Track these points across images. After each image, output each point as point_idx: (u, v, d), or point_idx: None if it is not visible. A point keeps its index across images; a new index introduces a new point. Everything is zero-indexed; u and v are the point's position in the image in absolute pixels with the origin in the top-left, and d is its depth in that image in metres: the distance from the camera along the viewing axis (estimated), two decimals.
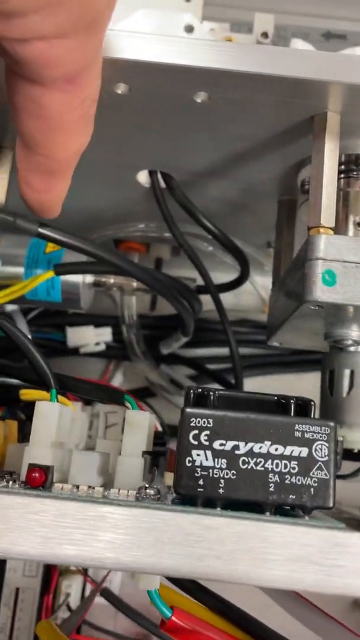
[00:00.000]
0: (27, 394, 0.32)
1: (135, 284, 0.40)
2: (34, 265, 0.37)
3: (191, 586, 0.26)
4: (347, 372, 0.29)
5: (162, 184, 0.34)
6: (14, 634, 0.37)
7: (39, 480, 0.21)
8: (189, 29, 0.40)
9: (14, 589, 0.37)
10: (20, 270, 0.38)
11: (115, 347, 0.46)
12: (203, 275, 0.37)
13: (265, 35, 0.40)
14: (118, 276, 0.39)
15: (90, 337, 0.44)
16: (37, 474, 0.21)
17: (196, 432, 0.21)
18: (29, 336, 0.38)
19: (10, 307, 0.44)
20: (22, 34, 0.18)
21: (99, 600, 0.44)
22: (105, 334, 0.45)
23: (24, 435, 0.34)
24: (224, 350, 0.47)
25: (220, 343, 0.46)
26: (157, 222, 0.41)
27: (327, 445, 0.21)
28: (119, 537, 0.19)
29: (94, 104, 0.22)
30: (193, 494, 0.21)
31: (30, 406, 0.37)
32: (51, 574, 0.40)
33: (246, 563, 0.19)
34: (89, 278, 0.39)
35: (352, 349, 0.29)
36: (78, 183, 0.36)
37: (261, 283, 0.45)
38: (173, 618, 0.24)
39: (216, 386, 0.46)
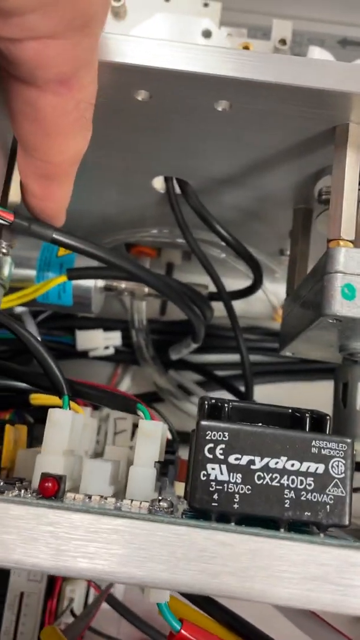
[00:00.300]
0: (37, 398, 0.32)
1: (146, 289, 0.39)
2: (46, 268, 0.37)
3: (200, 599, 0.26)
4: None
5: (178, 190, 0.33)
6: (17, 639, 0.37)
7: (52, 490, 0.21)
8: (207, 33, 0.40)
9: (18, 593, 0.37)
10: (32, 272, 0.38)
11: (124, 352, 0.45)
12: (215, 282, 0.36)
13: (283, 42, 0.40)
14: (129, 281, 0.39)
15: (100, 341, 0.44)
16: (49, 484, 0.21)
17: (211, 445, 0.21)
18: (39, 339, 0.38)
19: (19, 309, 0.43)
20: (17, 34, 0.18)
21: (103, 605, 0.43)
22: (114, 338, 0.45)
23: (32, 439, 0.34)
24: (232, 357, 0.47)
25: (229, 349, 0.46)
26: (169, 228, 0.41)
27: (344, 462, 0.21)
28: (132, 552, 0.19)
29: (91, 108, 0.22)
30: (207, 509, 0.20)
31: (38, 409, 0.37)
32: (55, 579, 0.40)
33: (261, 581, 0.19)
34: (101, 282, 0.39)
35: None
36: (93, 187, 0.36)
37: (272, 290, 0.45)
38: (182, 631, 0.24)
39: (224, 393, 0.46)
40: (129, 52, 0.24)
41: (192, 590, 0.19)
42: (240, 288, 0.40)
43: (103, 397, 0.28)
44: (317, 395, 0.44)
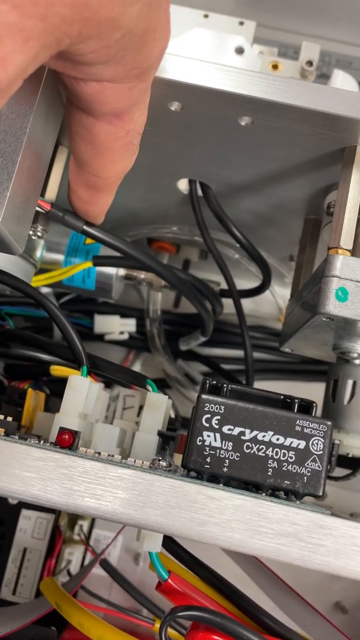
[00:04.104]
0: (57, 369, 0.35)
1: (163, 281, 0.43)
2: (74, 254, 0.41)
3: (187, 558, 0.29)
4: (350, 382, 0.32)
5: (200, 192, 0.37)
6: (17, 590, 0.40)
7: (68, 442, 0.24)
8: (240, 50, 0.43)
9: (22, 548, 0.41)
10: (60, 257, 0.41)
11: (137, 338, 0.49)
12: (228, 280, 0.39)
13: (310, 63, 0.43)
14: (148, 272, 0.42)
15: (116, 326, 0.47)
16: (66, 436, 0.24)
17: (209, 416, 0.24)
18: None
19: (44, 290, 0.47)
20: (83, 76, 0.21)
21: (96, 571, 0.47)
22: (129, 325, 0.48)
23: (47, 409, 0.37)
24: (238, 352, 0.50)
25: (235, 345, 0.49)
26: (189, 226, 0.44)
27: (322, 441, 0.24)
28: (133, 497, 0.22)
29: (138, 136, 0.25)
30: (200, 470, 0.24)
31: (54, 382, 0.40)
32: (56, 541, 0.43)
33: (241, 532, 0.22)
34: (122, 271, 0.42)
35: (357, 361, 0.32)
36: (123, 185, 0.39)
37: (280, 293, 0.48)
38: (169, 581, 0.27)
39: None
40: (167, 68, 0.27)
41: (181, 535, 0.22)
42: (249, 287, 0.43)
43: (116, 371, 0.31)
44: (312, 395, 0.47)
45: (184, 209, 0.40)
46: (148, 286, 0.44)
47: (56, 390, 0.39)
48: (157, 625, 0.43)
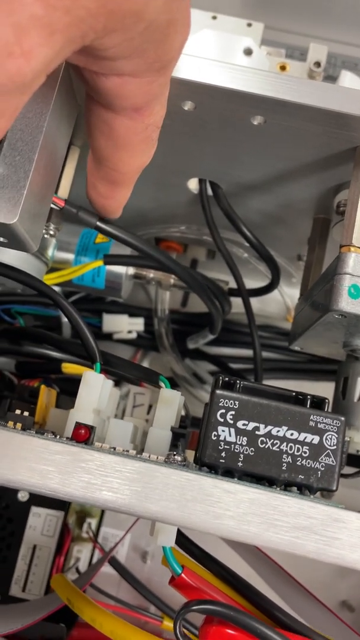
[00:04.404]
0: (68, 367, 0.35)
1: (172, 280, 0.43)
2: (84, 253, 0.41)
3: (199, 554, 0.29)
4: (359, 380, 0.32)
5: (210, 191, 0.37)
6: (27, 587, 0.40)
7: (84, 437, 0.24)
8: (248, 52, 0.43)
9: (31, 545, 0.41)
10: (69, 256, 0.41)
11: (145, 337, 0.49)
12: (237, 279, 0.40)
13: (317, 64, 0.44)
14: (158, 271, 0.43)
15: (124, 325, 0.48)
16: (82, 431, 0.24)
17: (223, 411, 0.24)
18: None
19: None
20: (104, 70, 0.21)
21: (104, 569, 0.47)
22: (138, 324, 0.48)
23: (57, 406, 0.38)
24: (245, 352, 0.50)
25: (242, 344, 0.49)
26: (197, 226, 0.45)
27: (336, 435, 0.24)
28: (149, 490, 0.22)
29: (157, 130, 0.25)
30: (215, 464, 0.24)
31: (63, 380, 0.40)
32: (65, 539, 0.43)
33: (257, 525, 0.22)
34: (131, 270, 0.43)
35: None
36: (146, 185, 0.39)
37: (288, 293, 0.48)
38: (183, 575, 0.27)
39: None
40: (181, 67, 0.27)
41: (197, 528, 0.22)
42: (257, 287, 0.43)
43: (129, 367, 0.31)
44: (319, 394, 0.48)
45: (193, 208, 0.41)
46: (157, 285, 0.44)
47: (65, 388, 0.39)
48: (165, 622, 0.43)
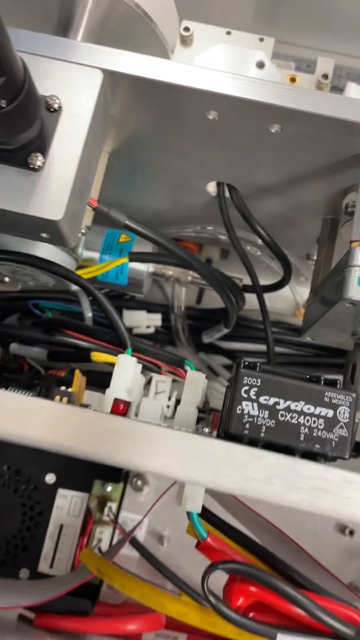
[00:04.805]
0: (97, 355, 0.38)
1: (189, 277, 0.46)
2: (108, 251, 0.44)
3: (221, 523, 0.32)
4: None
5: (227, 194, 0.40)
6: (54, 563, 0.43)
7: (123, 411, 0.27)
8: (260, 65, 0.46)
9: (59, 525, 0.43)
10: (94, 254, 0.44)
11: (162, 332, 0.52)
12: (252, 276, 0.43)
13: (325, 76, 0.47)
14: (176, 269, 0.46)
15: (143, 321, 0.50)
16: (121, 406, 0.27)
17: (247, 387, 0.27)
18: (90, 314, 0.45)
19: (75, 287, 0.50)
20: None
21: (124, 552, 0.50)
22: (155, 320, 0.51)
23: None
24: (255, 346, 0.53)
25: (254, 339, 0.52)
26: (213, 226, 0.48)
27: (349, 410, 0.27)
28: (185, 456, 0.25)
29: None
30: (240, 435, 0.27)
31: (87, 374, 0.43)
32: (87, 521, 0.46)
33: (280, 487, 0.25)
34: (151, 268, 0.46)
35: None
36: (154, 186, 0.42)
37: (298, 290, 0.51)
38: (208, 539, 0.30)
39: None
40: (207, 81, 0.30)
41: (227, 490, 0.25)
42: (269, 283, 0.46)
43: (157, 353, 0.34)
44: None
45: (209, 209, 0.44)
46: (175, 282, 0.47)
47: (88, 380, 0.42)
48: (183, 598, 0.45)
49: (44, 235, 0.30)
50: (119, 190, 0.43)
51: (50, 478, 0.44)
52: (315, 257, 0.46)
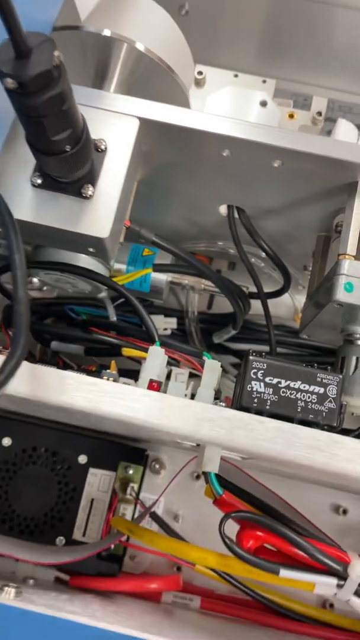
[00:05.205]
0: (128, 351, 0.45)
1: (202, 285, 0.53)
2: (133, 263, 0.51)
3: (232, 487, 0.39)
4: (354, 358, 0.42)
5: (236, 215, 0.47)
6: (86, 532, 0.49)
7: (157, 388, 0.34)
8: (263, 103, 0.54)
9: (90, 499, 0.50)
10: (122, 266, 0.52)
11: (177, 334, 0.59)
12: (257, 285, 0.50)
13: (319, 113, 0.54)
14: (191, 278, 0.53)
15: (160, 324, 0.57)
16: (155, 384, 0.34)
17: (255, 370, 0.34)
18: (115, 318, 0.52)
19: (101, 294, 0.57)
20: None
21: (145, 525, 0.56)
22: (172, 323, 0.58)
23: None
24: (261, 347, 0.60)
25: (258, 341, 0.59)
26: (222, 241, 0.55)
27: (336, 388, 0.34)
28: (205, 422, 0.32)
29: None
30: (250, 407, 0.34)
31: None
32: (113, 499, 0.53)
33: (281, 445, 0.32)
34: (169, 277, 0.53)
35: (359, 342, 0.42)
36: (173, 208, 0.50)
37: (296, 297, 0.58)
38: (223, 496, 0.37)
39: None
40: (222, 126, 0.38)
41: (240, 448, 0.32)
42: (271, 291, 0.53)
43: (179, 346, 0.41)
44: None
45: (219, 227, 0.51)
46: (190, 290, 0.54)
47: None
48: (198, 566, 0.52)
49: (91, 249, 0.37)
50: (142, 211, 0.50)
51: (82, 459, 0.51)
52: (310, 268, 0.53)
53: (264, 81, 0.56)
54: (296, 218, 0.47)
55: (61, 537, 0.49)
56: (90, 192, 0.35)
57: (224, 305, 0.60)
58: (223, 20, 0.63)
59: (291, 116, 0.55)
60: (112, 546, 0.51)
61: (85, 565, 0.48)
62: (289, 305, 0.60)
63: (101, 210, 0.35)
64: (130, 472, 0.53)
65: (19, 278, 0.29)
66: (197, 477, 0.59)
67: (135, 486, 0.55)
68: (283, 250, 0.53)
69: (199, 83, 0.55)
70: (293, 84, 0.67)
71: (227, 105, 0.53)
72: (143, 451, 0.52)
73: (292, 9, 0.62)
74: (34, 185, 0.35)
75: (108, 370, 0.35)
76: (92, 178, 0.35)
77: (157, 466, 0.57)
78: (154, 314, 0.57)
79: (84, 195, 0.35)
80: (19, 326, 0.27)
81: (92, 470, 0.51)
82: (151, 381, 0.34)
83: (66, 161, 0.32)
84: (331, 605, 0.55)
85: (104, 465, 0.51)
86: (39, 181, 0.35)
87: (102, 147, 0.36)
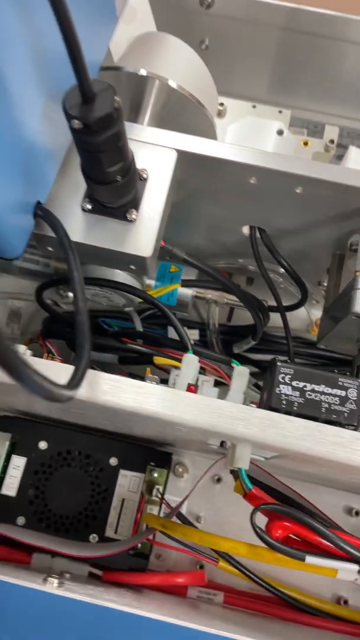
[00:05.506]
0: (159, 359, 0.49)
1: (225, 299, 0.57)
2: (161, 279, 0.55)
3: (259, 483, 0.42)
4: None
5: (258, 234, 0.51)
6: (118, 530, 0.53)
7: (194, 391, 0.38)
8: (280, 132, 0.59)
9: (121, 499, 0.53)
10: (151, 282, 0.56)
11: (199, 345, 0.62)
12: (276, 299, 0.54)
13: (332, 141, 0.59)
14: (214, 292, 0.57)
15: None
16: (193, 387, 0.38)
17: (283, 375, 0.38)
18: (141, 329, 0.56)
19: (128, 308, 0.61)
20: None
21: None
22: (194, 334, 0.62)
23: None
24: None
25: (275, 351, 0.63)
26: (242, 259, 0.59)
27: (356, 391, 0.38)
28: (241, 422, 0.36)
29: None
30: (279, 408, 0.37)
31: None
32: (140, 500, 0.56)
33: (308, 441, 0.35)
34: (194, 292, 0.57)
35: None
36: (198, 228, 0.54)
37: (311, 310, 0.62)
38: (253, 490, 0.40)
39: None
40: (251, 156, 0.42)
41: (272, 444, 0.35)
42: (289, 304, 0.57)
43: (210, 354, 0.45)
44: None
45: (239, 245, 0.55)
46: (213, 303, 0.58)
47: None
48: (221, 563, 0.55)
49: (132, 267, 0.41)
50: (170, 231, 0.54)
51: (113, 461, 0.54)
52: (325, 283, 0.57)
53: (280, 111, 0.61)
54: (312, 238, 0.51)
55: (94, 535, 0.53)
56: (134, 216, 0.39)
57: (243, 317, 0.64)
58: (239, 54, 0.68)
59: (305, 144, 0.59)
60: (139, 545, 0.55)
61: (116, 561, 0.51)
62: (302, 318, 0.64)
63: (144, 232, 0.39)
64: (155, 475, 0.57)
65: (79, 292, 0.33)
66: (218, 480, 0.62)
67: (160, 488, 0.59)
68: (298, 266, 0.57)
69: (220, 114, 0.59)
70: (305, 113, 0.72)
71: (247, 134, 0.57)
72: (169, 455, 0.56)
73: (302, 45, 0.67)
74: (83, 210, 0.39)
75: (150, 375, 0.39)
76: (135, 203, 0.40)
77: (180, 470, 0.61)
78: None
79: (128, 219, 0.39)
80: (83, 334, 0.31)
81: (122, 472, 0.54)
82: (189, 385, 0.38)
83: (116, 189, 0.36)
84: (345, 602, 0.58)
85: (133, 467, 0.54)
86: (89, 206, 0.39)
87: (145, 176, 0.40)
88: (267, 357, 0.64)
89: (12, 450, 0.54)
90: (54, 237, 0.37)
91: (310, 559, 0.38)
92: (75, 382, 0.28)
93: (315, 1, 0.66)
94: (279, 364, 0.38)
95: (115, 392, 0.35)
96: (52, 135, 0.36)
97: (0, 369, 0.18)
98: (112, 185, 0.36)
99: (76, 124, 0.31)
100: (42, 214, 0.37)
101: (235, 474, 0.42)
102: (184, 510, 0.61)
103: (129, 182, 0.37)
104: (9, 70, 0.29)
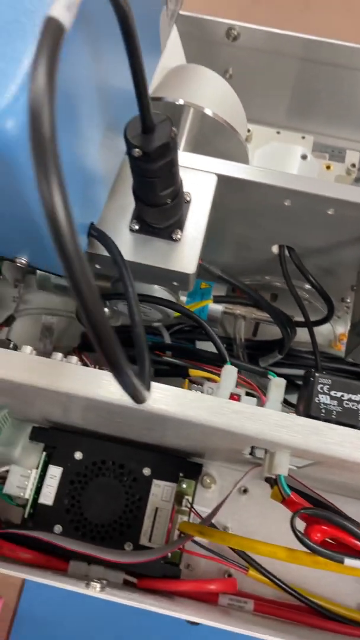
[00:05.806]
0: (194, 372, 0.51)
1: (253, 315, 0.59)
2: (192, 295, 0.58)
3: (295, 489, 0.44)
4: None
5: (287, 253, 0.54)
6: (152, 538, 0.54)
7: (237, 400, 0.40)
8: (304, 157, 0.62)
9: (154, 508, 0.55)
10: (183, 298, 0.58)
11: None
12: (304, 314, 0.56)
13: (353, 165, 0.62)
14: (242, 307, 0.59)
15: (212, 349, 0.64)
16: (236, 397, 0.40)
17: (322, 385, 0.40)
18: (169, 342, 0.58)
19: (156, 323, 0.64)
20: None
21: None
22: None
23: None
24: (301, 371, 0.66)
25: (300, 366, 0.65)
26: (269, 275, 0.62)
27: None
28: (284, 429, 0.38)
29: None
30: (318, 416, 0.40)
31: None
32: (173, 508, 0.58)
33: (350, 448, 0.37)
34: (223, 307, 0.59)
35: None
36: (229, 247, 0.57)
37: (335, 326, 0.65)
38: (291, 496, 0.42)
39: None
40: (287, 179, 0.45)
41: (314, 450, 0.38)
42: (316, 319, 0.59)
43: (246, 366, 0.47)
44: None
45: (267, 263, 0.58)
46: (241, 318, 0.60)
47: None
48: (250, 572, 0.57)
49: (175, 283, 0.44)
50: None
51: (146, 471, 0.56)
52: (348, 300, 0.60)
53: (303, 137, 0.64)
54: (338, 256, 0.54)
55: (129, 543, 0.54)
56: (179, 236, 0.42)
57: (268, 332, 0.67)
58: (260, 83, 0.72)
59: (328, 167, 0.62)
60: (169, 554, 0.56)
61: (151, 569, 0.53)
62: (325, 333, 0.66)
63: (187, 251, 0.42)
64: (184, 486, 0.59)
65: (134, 307, 0.35)
66: (244, 491, 0.64)
67: (189, 499, 0.60)
68: (322, 283, 0.59)
69: (246, 139, 0.62)
70: (327, 138, 0.75)
71: (273, 159, 0.60)
72: (200, 466, 0.58)
73: (316, 75, 0.70)
74: (131, 230, 0.42)
75: (198, 385, 0.41)
76: (180, 224, 0.42)
77: (208, 480, 0.63)
78: (204, 340, 0.64)
79: (174, 238, 0.42)
80: (142, 344, 0.33)
81: (155, 481, 0.56)
82: (232, 394, 0.40)
83: (165, 212, 0.39)
84: None
85: (166, 477, 0.56)
86: (137, 227, 0.42)
87: (188, 199, 0.43)
88: (292, 371, 0.66)
89: (49, 460, 0.56)
90: (106, 255, 0.40)
91: (349, 562, 0.39)
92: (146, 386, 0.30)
93: (332, 33, 0.70)
94: (317, 375, 0.41)
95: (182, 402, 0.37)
96: (105, 161, 0.39)
97: (106, 364, 0.20)
98: (162, 207, 0.39)
99: (136, 152, 0.34)
100: (96, 234, 0.39)
101: (272, 481, 0.44)
102: (212, 520, 0.63)
103: (177, 205, 0.39)
104: (80, 106, 0.32)
